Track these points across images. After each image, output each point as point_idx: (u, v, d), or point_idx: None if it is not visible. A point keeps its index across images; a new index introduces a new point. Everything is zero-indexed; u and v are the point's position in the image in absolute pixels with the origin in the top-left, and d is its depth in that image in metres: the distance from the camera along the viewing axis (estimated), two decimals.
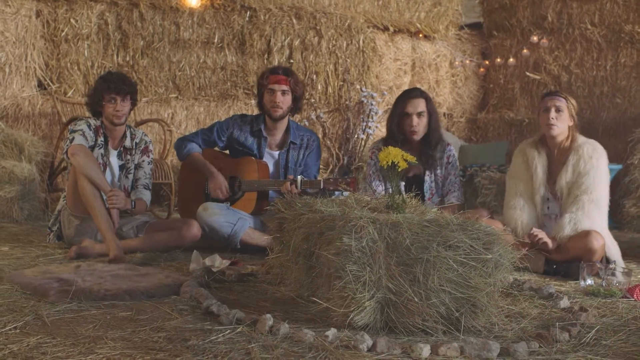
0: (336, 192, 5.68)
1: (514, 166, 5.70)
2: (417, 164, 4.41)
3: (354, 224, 3.38)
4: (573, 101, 5.50)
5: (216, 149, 6.28)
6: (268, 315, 3.32)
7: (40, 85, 9.05)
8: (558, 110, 5.40)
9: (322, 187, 5.56)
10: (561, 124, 5.42)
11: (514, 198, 5.56)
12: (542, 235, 5.18)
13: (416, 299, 3.28)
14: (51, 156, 7.95)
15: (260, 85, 6.08)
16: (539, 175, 5.49)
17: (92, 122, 5.66)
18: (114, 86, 5.60)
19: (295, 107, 6.13)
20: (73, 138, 5.45)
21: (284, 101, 5.97)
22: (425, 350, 3.02)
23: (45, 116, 8.78)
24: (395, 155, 3.85)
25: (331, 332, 3.17)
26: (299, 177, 5.65)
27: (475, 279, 3.34)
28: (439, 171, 6.02)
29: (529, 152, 5.59)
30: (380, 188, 5.92)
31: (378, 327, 3.37)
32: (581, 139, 5.48)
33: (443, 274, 3.29)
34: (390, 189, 3.97)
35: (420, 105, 5.87)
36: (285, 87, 5.96)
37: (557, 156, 5.50)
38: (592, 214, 5.20)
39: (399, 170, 3.89)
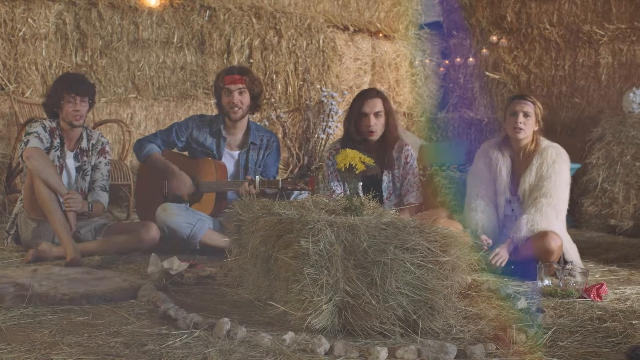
0: (295, 192, 5.69)
1: (476, 167, 5.71)
2: (375, 165, 4.40)
3: (312, 227, 3.38)
4: (540, 105, 5.52)
5: (175, 150, 6.25)
6: (225, 319, 3.32)
7: None
8: (526, 115, 5.42)
9: (280, 186, 5.55)
10: (528, 128, 5.44)
11: (475, 200, 5.59)
12: (501, 258, 5.20)
13: (374, 302, 3.29)
14: (9, 157, 7.86)
15: (217, 88, 6.05)
16: (504, 178, 5.51)
17: (48, 123, 5.61)
18: (74, 86, 5.56)
19: (254, 105, 6.11)
20: (28, 141, 5.40)
21: (243, 100, 5.94)
22: (383, 354, 3.03)
23: (3, 117, 8.67)
24: (353, 157, 3.86)
25: (289, 336, 3.17)
26: (257, 178, 5.64)
27: (432, 282, 3.36)
28: (396, 171, 6.03)
29: (493, 153, 5.60)
30: (339, 189, 5.92)
31: (336, 330, 3.38)
32: (545, 142, 5.50)
33: (400, 277, 3.30)
34: (348, 191, 3.98)
35: (377, 105, 5.87)
36: (241, 86, 5.93)
37: (521, 159, 5.51)
38: (550, 217, 5.23)
39: (357, 172, 3.89)
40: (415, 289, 3.34)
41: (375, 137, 5.89)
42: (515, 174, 5.54)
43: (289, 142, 9.68)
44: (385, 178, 6.00)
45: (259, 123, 6.94)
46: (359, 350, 3.08)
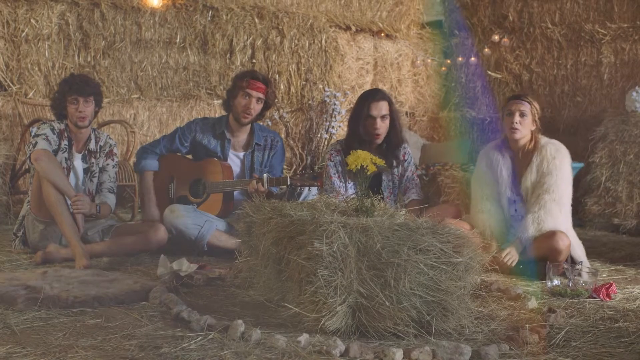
0: (304, 191, 5.71)
1: (478, 170, 5.75)
2: (386, 166, 4.42)
3: (325, 229, 3.38)
4: (537, 105, 5.53)
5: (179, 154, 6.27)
6: (240, 321, 3.32)
7: (0, 86, 8.93)
8: (522, 114, 5.43)
9: (288, 183, 5.56)
10: (524, 128, 5.45)
11: (480, 202, 5.59)
12: (512, 257, 5.21)
13: (387, 303, 3.30)
14: (12, 158, 7.85)
15: (237, 87, 6.02)
16: (504, 178, 5.52)
17: (56, 125, 5.61)
18: (76, 87, 5.56)
19: (261, 114, 6.14)
20: (36, 143, 5.40)
21: (257, 108, 5.98)
22: (398, 355, 3.03)
23: (6, 118, 8.66)
24: (364, 158, 3.86)
25: (303, 338, 3.18)
26: (265, 176, 5.65)
27: (445, 282, 3.36)
28: (395, 170, 6.04)
29: (493, 155, 5.62)
30: (342, 189, 5.92)
31: (349, 332, 3.39)
32: (544, 139, 5.52)
33: (414, 278, 3.30)
34: (359, 192, 3.98)
35: (383, 108, 5.87)
36: (261, 95, 5.97)
37: (521, 158, 5.53)
38: (554, 213, 5.24)
39: (368, 173, 3.90)
40: (428, 290, 3.34)
41: (380, 139, 5.90)
42: (517, 174, 5.55)
43: (292, 142, 9.68)
44: (385, 177, 6.01)
45: (261, 123, 6.95)
46: (374, 351, 3.09)
